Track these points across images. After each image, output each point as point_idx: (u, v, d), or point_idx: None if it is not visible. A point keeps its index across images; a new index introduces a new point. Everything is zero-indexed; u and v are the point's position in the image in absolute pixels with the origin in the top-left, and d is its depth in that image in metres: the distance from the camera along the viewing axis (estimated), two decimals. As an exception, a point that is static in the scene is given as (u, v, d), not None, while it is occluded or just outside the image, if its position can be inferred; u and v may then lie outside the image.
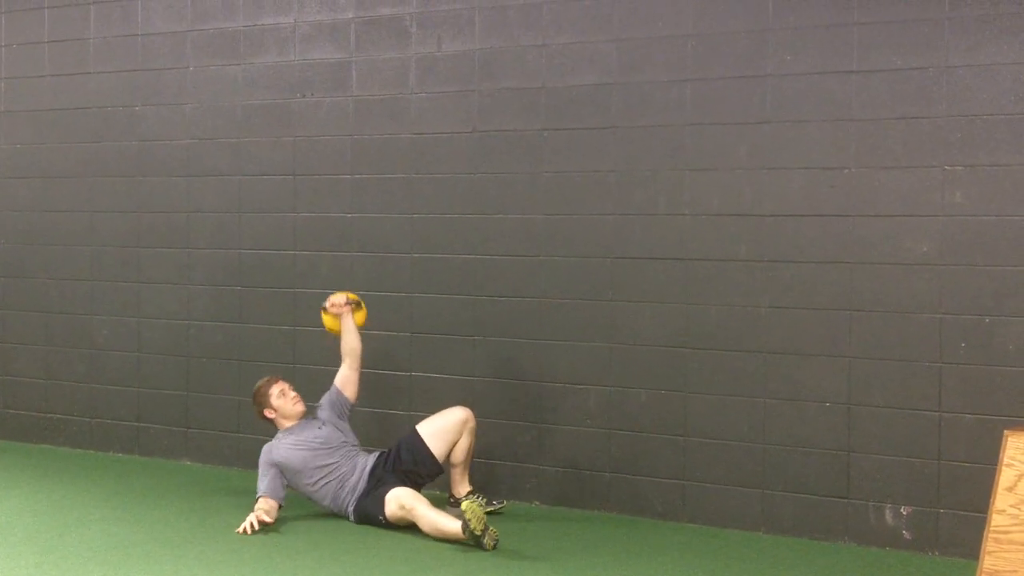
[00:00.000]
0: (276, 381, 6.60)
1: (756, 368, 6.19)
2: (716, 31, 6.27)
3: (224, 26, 7.61)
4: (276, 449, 6.45)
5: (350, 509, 6.38)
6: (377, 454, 6.53)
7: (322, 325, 6.78)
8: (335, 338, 6.75)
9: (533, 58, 6.71)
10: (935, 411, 5.82)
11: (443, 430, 6.47)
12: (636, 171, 6.48)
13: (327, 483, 6.40)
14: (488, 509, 6.42)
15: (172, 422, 7.87)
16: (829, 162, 6.02)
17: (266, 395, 6.55)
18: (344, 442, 6.51)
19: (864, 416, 5.97)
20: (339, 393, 6.67)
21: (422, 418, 6.76)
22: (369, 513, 6.29)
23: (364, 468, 6.44)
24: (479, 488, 6.62)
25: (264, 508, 6.27)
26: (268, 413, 6.56)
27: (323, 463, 6.40)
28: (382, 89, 7.14)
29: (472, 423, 6.48)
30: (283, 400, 6.54)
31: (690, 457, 6.38)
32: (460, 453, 6.48)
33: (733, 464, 6.27)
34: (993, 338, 5.70)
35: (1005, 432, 4.98)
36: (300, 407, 6.58)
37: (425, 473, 6.48)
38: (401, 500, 6.15)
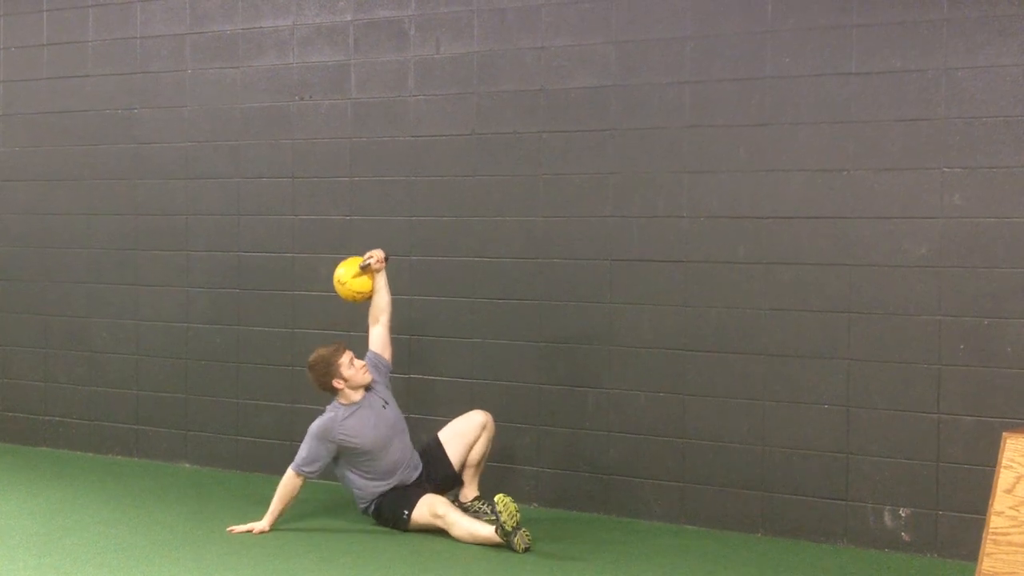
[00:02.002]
0: (343, 349, 6.30)
1: (755, 370, 6.19)
2: (715, 33, 6.27)
3: (222, 29, 7.61)
4: (343, 427, 6.21)
5: (373, 504, 6.30)
6: (420, 460, 6.43)
7: (347, 298, 6.56)
8: (363, 308, 6.61)
9: (531, 60, 6.71)
10: (934, 413, 5.82)
11: (461, 433, 6.44)
12: (635, 173, 6.48)
13: (381, 473, 6.25)
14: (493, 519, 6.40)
15: (171, 424, 7.86)
16: (828, 164, 6.02)
17: (335, 364, 6.25)
18: (404, 430, 6.38)
19: (863, 418, 5.96)
20: (379, 358, 6.51)
21: (420, 421, 6.76)
22: (394, 509, 6.20)
23: (415, 470, 6.36)
24: (485, 494, 6.58)
25: (267, 521, 6.23)
26: (337, 384, 6.27)
27: (394, 455, 6.25)
28: (381, 92, 7.14)
29: (491, 428, 6.44)
30: (354, 370, 6.27)
31: (689, 459, 6.37)
32: (475, 455, 6.44)
33: (732, 466, 6.26)
34: (992, 340, 5.70)
35: (1004, 434, 4.97)
36: (369, 375, 6.34)
37: (444, 487, 6.43)
38: (435, 508, 6.09)
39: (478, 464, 6.48)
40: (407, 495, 6.25)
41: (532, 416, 6.76)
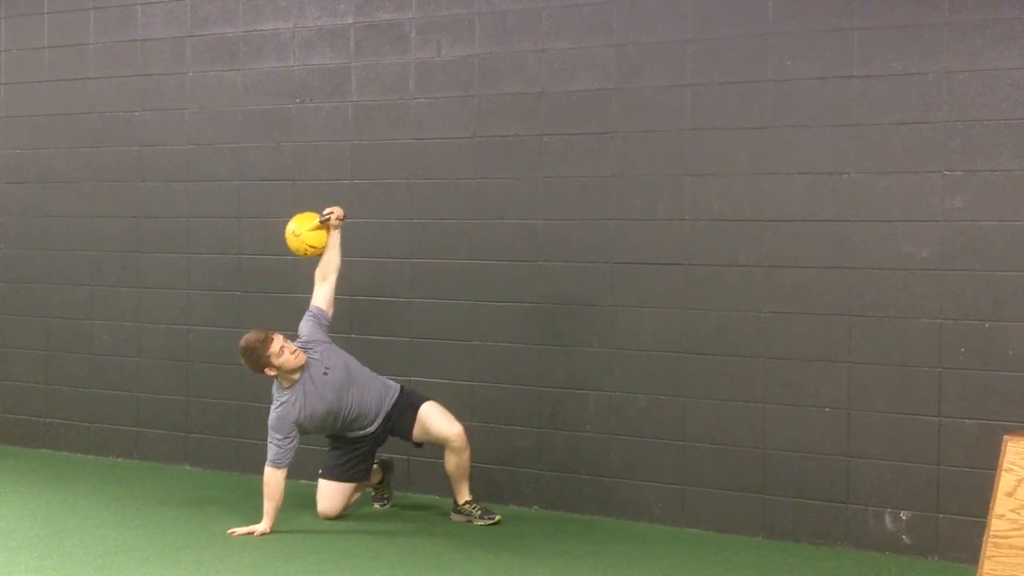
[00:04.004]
0: (271, 339, 6.25)
1: (756, 373, 6.19)
2: (716, 36, 6.28)
3: (223, 31, 7.61)
4: (296, 410, 6.27)
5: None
6: (394, 397, 6.52)
7: (298, 251, 6.61)
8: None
9: (532, 63, 6.71)
10: (935, 416, 5.82)
11: (429, 426, 6.44)
12: (636, 176, 6.48)
13: (347, 422, 6.41)
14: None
15: (171, 427, 7.86)
16: (829, 167, 6.03)
17: (264, 356, 6.23)
18: (352, 380, 6.41)
19: (864, 421, 5.96)
20: (323, 313, 6.54)
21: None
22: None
23: (380, 412, 6.47)
24: (480, 496, 6.57)
25: (267, 523, 6.25)
26: (269, 372, 6.29)
27: (352, 408, 6.38)
28: (382, 94, 7.14)
29: (458, 443, 6.36)
30: (284, 357, 6.25)
31: (690, 462, 6.38)
32: (450, 466, 6.42)
33: (733, 469, 6.26)
34: (993, 343, 5.70)
35: (1005, 437, 4.98)
36: (303, 357, 6.32)
37: (399, 436, 6.55)
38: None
39: (459, 475, 6.43)
40: (337, 454, 6.54)
41: (533, 418, 6.76)
